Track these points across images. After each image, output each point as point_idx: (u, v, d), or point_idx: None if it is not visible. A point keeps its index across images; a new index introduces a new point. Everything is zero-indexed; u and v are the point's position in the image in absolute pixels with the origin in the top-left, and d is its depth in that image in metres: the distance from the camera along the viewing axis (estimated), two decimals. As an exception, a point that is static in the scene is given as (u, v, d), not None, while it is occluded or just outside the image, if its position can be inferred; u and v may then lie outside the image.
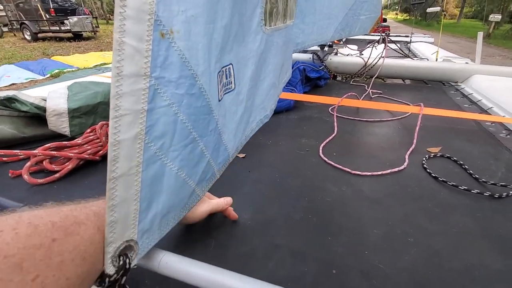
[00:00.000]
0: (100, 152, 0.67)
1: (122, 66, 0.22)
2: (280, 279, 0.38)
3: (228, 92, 0.39)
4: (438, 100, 1.15)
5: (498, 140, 0.80)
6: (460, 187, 0.57)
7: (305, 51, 1.60)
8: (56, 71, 4.89)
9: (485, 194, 0.55)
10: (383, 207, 0.53)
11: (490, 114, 0.98)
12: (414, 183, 0.60)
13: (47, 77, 4.68)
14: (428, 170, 0.64)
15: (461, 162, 0.67)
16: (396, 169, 0.65)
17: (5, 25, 10.03)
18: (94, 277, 0.25)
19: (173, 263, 0.31)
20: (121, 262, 0.26)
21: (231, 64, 0.38)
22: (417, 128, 0.81)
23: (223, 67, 0.36)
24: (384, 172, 0.64)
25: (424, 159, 0.69)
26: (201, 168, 0.35)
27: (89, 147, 0.67)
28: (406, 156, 0.70)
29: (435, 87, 1.39)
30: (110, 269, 0.25)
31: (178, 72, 0.27)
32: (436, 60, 1.85)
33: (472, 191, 0.56)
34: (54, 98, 0.74)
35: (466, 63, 1.53)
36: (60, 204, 0.27)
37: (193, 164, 0.33)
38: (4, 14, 9.49)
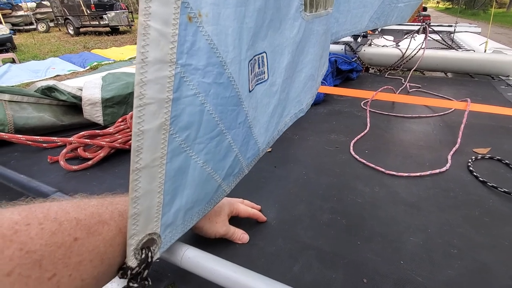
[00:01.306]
0: (130, 142, 0.68)
1: (147, 52, 0.20)
2: (306, 285, 0.35)
3: (261, 82, 0.37)
4: (486, 96, 1.05)
5: None
6: (513, 194, 0.51)
7: (336, 42, 1.52)
8: (95, 63, 5.18)
9: (544, 203, 0.48)
10: (421, 212, 0.48)
11: None
12: (458, 187, 0.54)
13: (87, 69, 4.98)
14: (474, 174, 0.57)
15: (515, 166, 0.59)
16: (437, 171, 0.59)
17: (51, 21, 10.82)
18: (108, 279, 0.24)
19: (195, 258, 0.30)
20: (143, 255, 0.25)
21: (264, 52, 0.35)
22: (462, 126, 0.73)
23: (256, 55, 0.34)
24: (423, 173, 0.58)
25: (469, 160, 0.62)
26: (228, 162, 0.33)
27: (119, 136, 0.68)
28: (449, 157, 0.63)
29: (483, 81, 1.26)
30: (132, 262, 0.24)
31: (205, 59, 0.25)
32: (485, 51, 1.68)
33: None
34: (89, 88, 0.77)
35: None
36: (89, 197, 0.27)
37: (219, 158, 0.31)
38: (51, 10, 10.24)
